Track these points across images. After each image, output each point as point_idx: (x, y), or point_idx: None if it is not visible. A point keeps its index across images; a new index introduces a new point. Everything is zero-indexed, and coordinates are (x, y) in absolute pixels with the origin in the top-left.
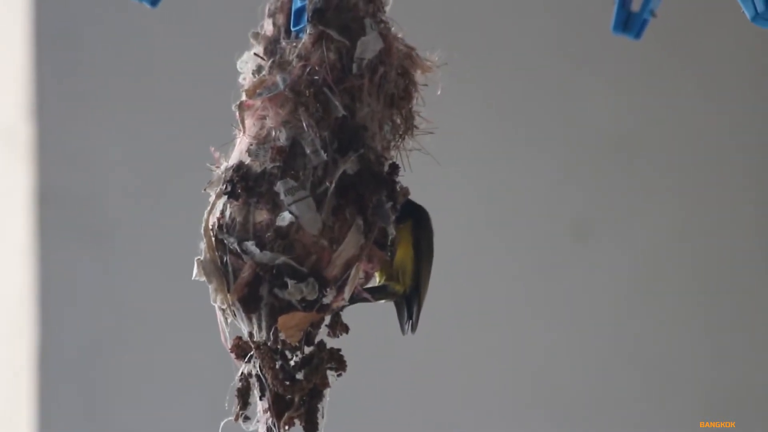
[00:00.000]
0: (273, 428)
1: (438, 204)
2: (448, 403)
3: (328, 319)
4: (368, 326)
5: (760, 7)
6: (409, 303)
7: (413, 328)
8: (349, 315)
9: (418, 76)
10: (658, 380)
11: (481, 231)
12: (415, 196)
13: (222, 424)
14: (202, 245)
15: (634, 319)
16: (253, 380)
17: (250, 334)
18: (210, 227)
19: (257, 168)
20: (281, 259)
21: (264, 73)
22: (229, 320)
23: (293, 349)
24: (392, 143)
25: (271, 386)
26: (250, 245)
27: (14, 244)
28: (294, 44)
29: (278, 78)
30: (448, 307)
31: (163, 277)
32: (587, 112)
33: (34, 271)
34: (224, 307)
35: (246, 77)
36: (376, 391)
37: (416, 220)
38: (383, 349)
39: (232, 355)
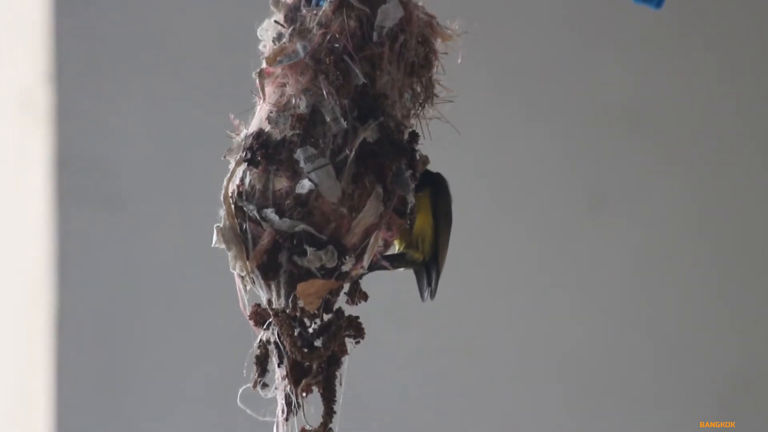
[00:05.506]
0: (291, 395)
1: (456, 172)
2: (464, 372)
3: (346, 286)
4: (387, 293)
5: None
6: (428, 270)
7: (432, 295)
8: (367, 282)
9: (438, 44)
10: (661, 377)
11: (497, 199)
12: (433, 164)
13: (240, 391)
14: (222, 212)
15: (641, 296)
16: (272, 347)
17: (269, 302)
18: (230, 194)
19: (277, 135)
20: (300, 226)
21: (284, 40)
22: (247, 287)
23: (312, 317)
24: (412, 111)
25: (289, 353)
26: (270, 212)
27: (32, 210)
28: (314, 12)
29: (298, 46)
30: (464, 276)
31: (182, 244)
32: (605, 84)
33: (52, 238)
34: (243, 274)
35: (266, 45)
36: (394, 358)
37: (435, 187)
38: (401, 317)
39: (251, 323)
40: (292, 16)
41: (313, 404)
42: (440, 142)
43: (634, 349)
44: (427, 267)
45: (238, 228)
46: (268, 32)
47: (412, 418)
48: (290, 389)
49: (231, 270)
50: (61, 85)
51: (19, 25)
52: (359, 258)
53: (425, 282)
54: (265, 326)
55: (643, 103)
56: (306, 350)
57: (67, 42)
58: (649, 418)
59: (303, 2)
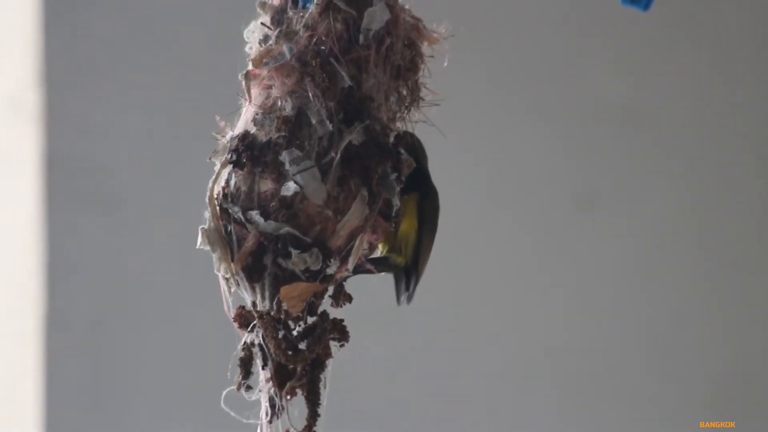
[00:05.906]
0: (275, 398)
1: (443, 175)
2: (451, 373)
3: (331, 289)
4: (372, 296)
5: None
6: (408, 274)
7: (409, 300)
8: (352, 285)
9: (425, 47)
10: (661, 377)
11: (485, 202)
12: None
13: (224, 393)
14: (207, 214)
15: (637, 295)
16: (256, 350)
17: (254, 304)
18: (215, 196)
19: (263, 137)
20: (285, 228)
21: (271, 42)
22: (232, 289)
23: (296, 319)
24: (398, 115)
25: (273, 356)
26: (255, 215)
27: (22, 212)
28: (301, 14)
29: (285, 48)
30: (451, 279)
31: (170, 246)
32: (593, 84)
33: (41, 240)
34: (228, 276)
35: (252, 46)
36: (379, 360)
37: (422, 190)
38: (386, 320)
39: (235, 325)
40: (278, 18)
41: (297, 407)
42: (434, 142)
43: (633, 349)
44: (407, 271)
45: (223, 230)
46: (254, 34)
47: (397, 421)
48: (274, 392)
49: (216, 272)
50: (50, 87)
51: (7, 27)
52: (344, 261)
53: (403, 286)
54: (249, 328)
55: (640, 102)
56: (290, 353)
57: (56, 44)
58: (649, 418)
59: (290, 4)
